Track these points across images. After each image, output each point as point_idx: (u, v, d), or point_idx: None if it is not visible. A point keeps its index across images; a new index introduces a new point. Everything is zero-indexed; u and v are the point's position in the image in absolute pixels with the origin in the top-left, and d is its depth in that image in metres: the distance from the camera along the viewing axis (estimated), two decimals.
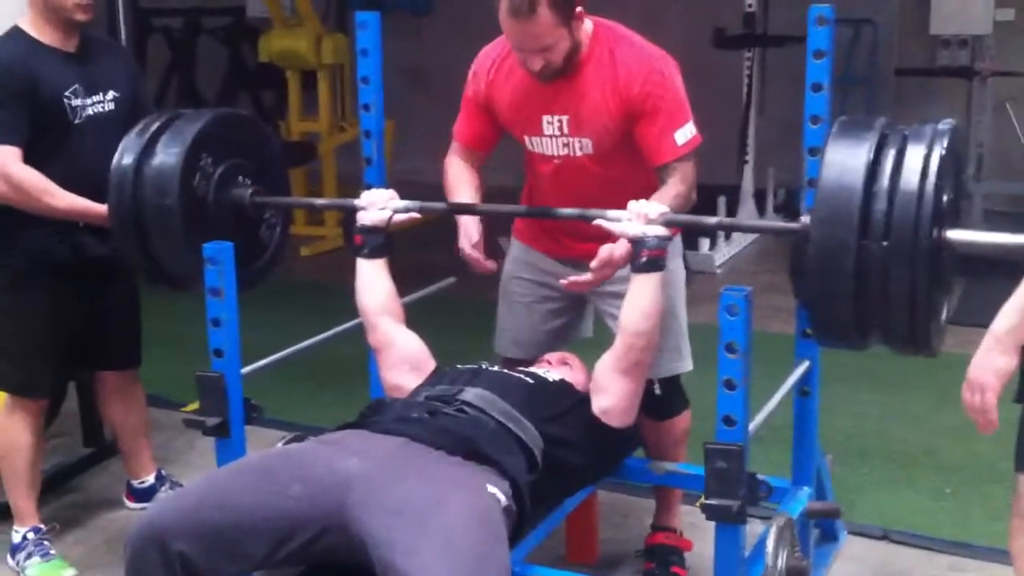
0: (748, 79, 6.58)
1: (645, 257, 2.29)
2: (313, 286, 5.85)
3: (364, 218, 2.57)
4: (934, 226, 1.93)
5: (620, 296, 2.41)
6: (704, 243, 5.95)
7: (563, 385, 2.50)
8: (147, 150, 2.57)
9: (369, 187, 2.92)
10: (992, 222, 6.03)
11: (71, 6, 2.78)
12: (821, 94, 2.47)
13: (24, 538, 2.95)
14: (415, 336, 2.58)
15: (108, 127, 2.85)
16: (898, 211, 1.92)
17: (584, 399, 2.46)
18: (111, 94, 2.91)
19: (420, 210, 2.59)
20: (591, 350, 2.63)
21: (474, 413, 2.26)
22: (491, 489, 2.08)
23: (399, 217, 2.58)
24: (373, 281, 2.57)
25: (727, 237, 6.28)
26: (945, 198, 1.98)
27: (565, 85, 2.50)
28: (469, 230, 2.57)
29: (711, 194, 5.66)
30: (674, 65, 2.52)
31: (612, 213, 2.34)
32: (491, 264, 2.56)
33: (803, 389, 2.61)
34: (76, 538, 3.17)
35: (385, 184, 2.80)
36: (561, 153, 2.58)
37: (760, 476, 2.10)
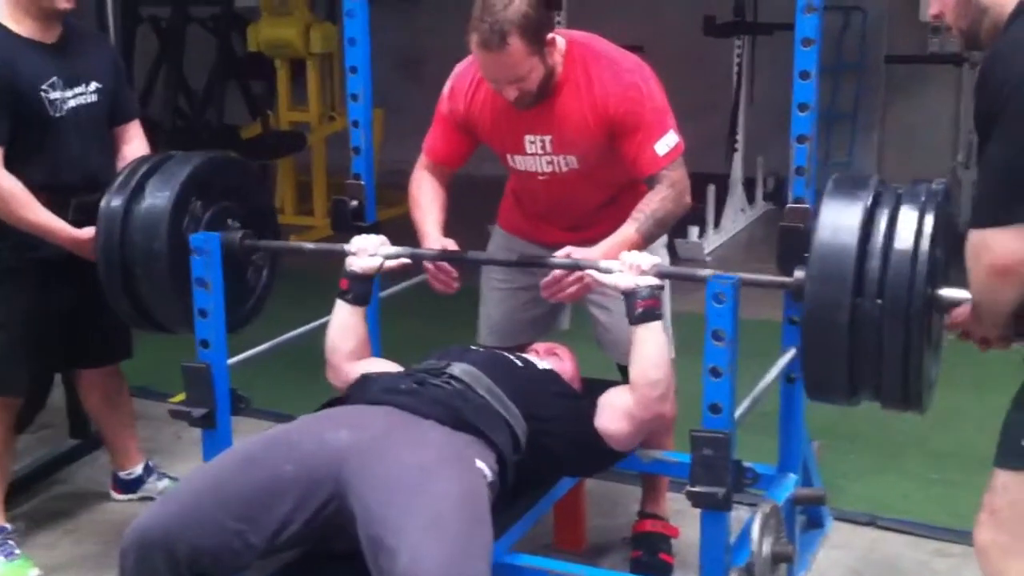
0: (738, 67, 6.57)
1: (640, 308, 2.26)
2: (301, 275, 5.80)
3: (353, 264, 2.51)
4: (928, 285, 1.92)
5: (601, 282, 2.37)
6: (693, 231, 5.95)
7: (552, 375, 2.49)
8: (136, 193, 2.58)
9: (357, 178, 2.92)
10: None
11: None
12: (809, 82, 2.47)
13: None
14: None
15: (92, 119, 2.82)
16: (892, 270, 1.92)
17: (572, 393, 2.45)
18: (94, 85, 2.85)
19: (411, 256, 2.53)
20: (569, 343, 2.64)
21: (460, 387, 2.25)
22: (479, 464, 2.08)
23: (390, 263, 2.52)
24: (348, 327, 2.51)
25: (716, 225, 6.29)
26: (938, 257, 1.97)
27: (544, 107, 2.46)
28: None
29: (701, 183, 5.65)
30: (650, 74, 2.48)
31: (604, 264, 2.32)
32: (455, 284, 2.49)
33: (789, 376, 2.61)
34: (63, 530, 3.16)
35: (373, 173, 2.78)
36: (546, 171, 2.55)
37: (746, 463, 2.10)
